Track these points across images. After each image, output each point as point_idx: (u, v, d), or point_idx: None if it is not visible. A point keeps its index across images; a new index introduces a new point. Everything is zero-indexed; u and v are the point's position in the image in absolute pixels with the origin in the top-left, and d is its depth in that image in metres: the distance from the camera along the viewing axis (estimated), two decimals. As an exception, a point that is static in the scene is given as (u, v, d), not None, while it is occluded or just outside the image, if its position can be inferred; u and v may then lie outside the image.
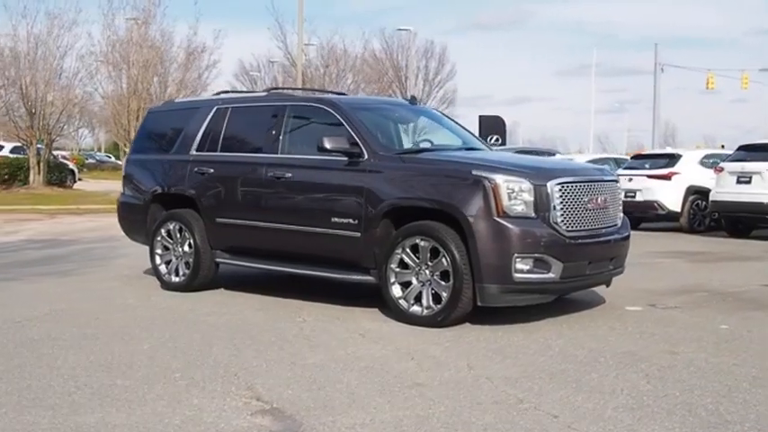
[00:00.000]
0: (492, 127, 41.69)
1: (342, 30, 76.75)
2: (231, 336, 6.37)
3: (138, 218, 8.97)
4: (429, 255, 6.70)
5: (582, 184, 6.84)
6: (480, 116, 43.70)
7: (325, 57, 41.91)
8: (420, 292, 6.77)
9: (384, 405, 4.64)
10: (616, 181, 7.42)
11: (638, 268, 10.60)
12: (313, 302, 7.68)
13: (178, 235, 8.48)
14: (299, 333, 6.49)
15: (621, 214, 7.42)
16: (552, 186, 6.61)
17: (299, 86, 32.13)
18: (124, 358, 5.67)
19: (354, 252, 7.19)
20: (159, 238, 8.65)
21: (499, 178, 6.53)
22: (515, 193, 6.51)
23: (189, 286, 8.37)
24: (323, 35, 39.32)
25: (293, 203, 7.65)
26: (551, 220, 6.58)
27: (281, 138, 7.81)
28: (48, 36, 26.29)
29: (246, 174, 8.00)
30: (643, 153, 20.37)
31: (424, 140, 8.26)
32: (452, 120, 8.89)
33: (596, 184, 7.01)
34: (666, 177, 16.40)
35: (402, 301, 6.85)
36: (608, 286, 7.65)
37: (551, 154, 22.58)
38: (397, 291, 6.89)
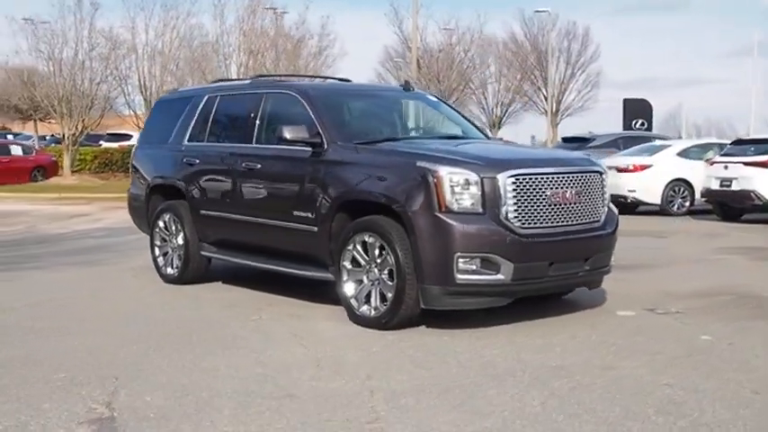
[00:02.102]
0: (637, 111, 39.96)
1: (458, 13, 75.26)
2: (171, 334, 6.18)
3: (141, 208, 8.98)
4: (377, 252, 6.28)
5: (544, 176, 6.18)
6: (625, 99, 42.01)
7: (464, 41, 41.07)
8: (369, 292, 6.38)
9: (228, 418, 4.32)
10: (598, 172, 6.65)
11: (684, 266, 9.83)
12: (292, 299, 7.39)
13: (173, 227, 8.42)
14: (238, 333, 6.24)
15: (606, 209, 6.68)
16: (504, 179, 6.00)
17: (413, 71, 31.95)
18: (38, 354, 5.62)
19: (313, 247, 6.87)
20: (157, 230, 8.63)
21: (442, 170, 6.00)
22: (460, 187, 5.97)
23: (181, 279, 8.30)
24: (440, 19, 38.57)
25: (262, 195, 7.40)
26: (502, 216, 5.99)
27: (255, 127, 7.57)
28: (164, 27, 27.21)
29: (225, 165, 7.82)
30: (745, 138, 18.73)
31: (415, 129, 7.78)
32: (451, 106, 8.34)
33: (564, 176, 6.30)
34: (764, 165, 14.95)
35: (353, 301, 6.47)
36: (590, 288, 6.96)
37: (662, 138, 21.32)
38: (349, 289, 6.51)
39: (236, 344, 5.91)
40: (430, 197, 5.97)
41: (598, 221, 6.56)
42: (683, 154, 17.84)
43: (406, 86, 8.16)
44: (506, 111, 51.75)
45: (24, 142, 32.52)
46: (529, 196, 6.08)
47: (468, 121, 8.17)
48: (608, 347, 5.75)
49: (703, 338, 6.02)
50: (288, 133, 6.81)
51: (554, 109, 50.55)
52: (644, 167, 17.26)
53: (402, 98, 8.03)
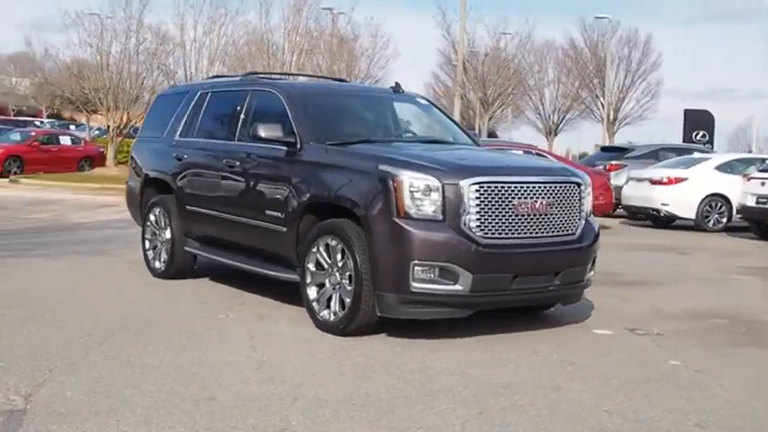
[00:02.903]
0: (698, 122, 38.87)
1: (508, 17, 73.88)
2: (126, 329, 6.11)
3: (136, 201, 8.98)
4: (339, 256, 6.13)
5: (511, 185, 5.94)
6: (686, 110, 40.91)
7: (512, 46, 40.49)
8: (331, 296, 6.23)
9: (137, 418, 4.22)
10: (576, 183, 6.37)
11: (691, 285, 9.47)
12: (270, 299, 7.27)
13: (162, 221, 8.39)
14: (197, 331, 6.15)
15: (583, 221, 6.41)
16: (466, 186, 5.79)
17: (461, 74, 31.64)
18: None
19: (282, 248, 6.76)
20: (148, 224, 8.61)
21: (403, 175, 5.81)
22: (421, 193, 5.78)
23: (167, 273, 8.27)
24: (490, 23, 37.94)
25: (239, 193, 7.32)
26: (463, 225, 5.77)
27: (239, 125, 7.49)
28: (213, 24, 27.45)
29: (209, 161, 7.75)
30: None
31: (399, 131, 7.58)
32: (442, 111, 8.12)
33: (534, 185, 6.04)
34: (802, 182, 14.34)
35: (315, 304, 6.33)
36: (565, 304, 6.70)
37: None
38: (312, 292, 6.38)
39: (188, 342, 5.82)
40: (389, 202, 5.80)
41: (573, 234, 6.30)
42: (723, 168, 17.22)
43: (396, 88, 7.98)
44: (563, 118, 51.10)
45: (74, 133, 33.16)
46: (493, 205, 5.85)
47: (459, 126, 7.95)
48: (564, 367, 5.50)
49: (671, 363, 5.72)
50: (262, 131, 6.71)
51: (611, 117, 49.60)
52: (679, 180, 16.72)
53: (390, 100, 7.85)
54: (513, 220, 5.93)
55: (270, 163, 6.95)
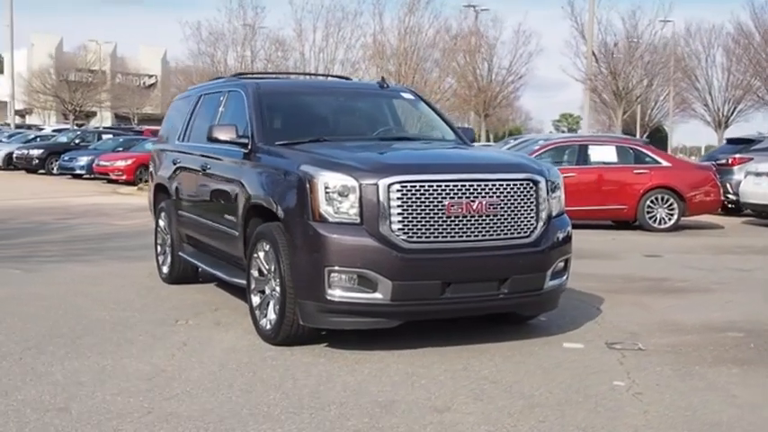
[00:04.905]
0: None
1: (643, 3, 69.19)
2: (62, 336, 6.03)
3: (152, 206, 9.04)
4: (273, 261, 5.82)
5: (440, 184, 5.40)
6: None
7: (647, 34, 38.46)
8: (269, 303, 5.93)
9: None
10: (530, 180, 5.69)
11: (727, 293, 8.41)
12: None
13: (166, 226, 8.39)
14: (136, 338, 6.02)
15: (541, 222, 5.76)
16: (385, 186, 5.33)
17: (588, 66, 30.30)
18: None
19: (236, 252, 6.54)
20: (158, 229, 8.65)
21: (319, 175, 5.43)
22: (338, 194, 5.38)
23: (169, 278, 8.26)
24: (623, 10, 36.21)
25: (208, 197, 7.19)
26: (383, 228, 5.32)
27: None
28: (330, 29, 27.74)
29: (192, 165, 7.65)
30: None
31: (369, 129, 7.13)
32: (431, 106, 7.58)
33: (469, 183, 5.46)
34: None
35: (257, 312, 6.06)
36: (524, 314, 6.13)
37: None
38: (255, 299, 6.11)
39: (114, 349, 5.68)
40: (304, 204, 5.46)
41: (526, 237, 5.68)
42: None
43: (381, 83, 7.57)
44: (734, 109, 47.91)
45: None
46: (419, 206, 5.36)
47: (446, 122, 7.40)
48: (481, 385, 4.95)
49: (614, 384, 5.04)
50: (216, 133, 6.52)
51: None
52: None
53: (372, 96, 7.45)
54: (444, 222, 5.41)
55: (228, 166, 6.77)
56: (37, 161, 30.20)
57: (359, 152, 5.98)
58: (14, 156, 31.56)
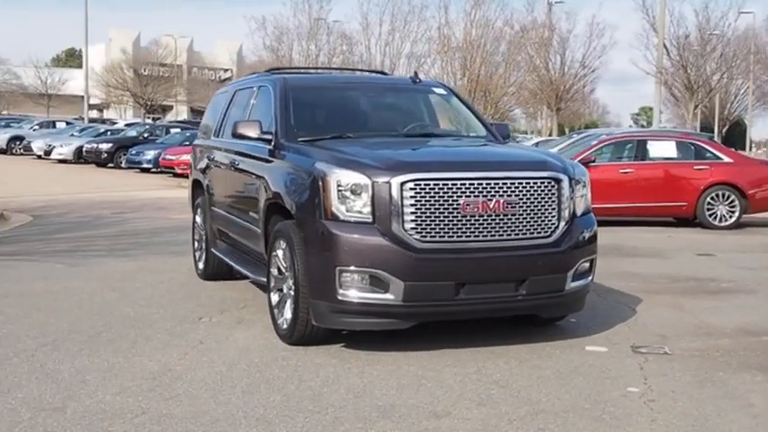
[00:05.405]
0: None
1: None
2: (88, 332, 6.10)
3: (190, 201, 9.09)
4: (290, 260, 5.76)
5: (455, 182, 5.25)
6: None
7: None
8: (286, 302, 5.87)
9: (-38, 425, 4.17)
10: (552, 179, 5.50)
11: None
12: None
13: (202, 222, 8.43)
14: (153, 335, 6.03)
15: (563, 222, 5.56)
16: (398, 184, 5.21)
17: (659, 59, 29.48)
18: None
19: (260, 249, 6.51)
20: (195, 225, 8.70)
21: (332, 172, 5.34)
22: (350, 192, 5.28)
23: (204, 275, 8.28)
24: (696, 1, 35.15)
25: (236, 194, 7.17)
26: (396, 227, 5.20)
27: (245, 121, 7.31)
28: (400, 22, 27.55)
29: (223, 161, 7.64)
30: None
31: (395, 125, 6.97)
32: (462, 101, 7.40)
33: (488, 182, 5.30)
34: None
35: (276, 311, 6.01)
36: (547, 317, 5.93)
37: None
38: (274, 298, 6.06)
39: (129, 347, 5.68)
40: (317, 202, 5.37)
41: (546, 237, 5.50)
42: None
43: (414, 78, 7.43)
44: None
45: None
46: (433, 205, 5.23)
47: (479, 118, 7.22)
48: (488, 390, 4.81)
49: (628, 390, 4.84)
50: (240, 129, 6.48)
51: None
52: None
53: (403, 92, 7.32)
54: (459, 221, 5.27)
55: (254, 162, 6.72)
56: (106, 155, 30.73)
57: (378, 149, 5.85)
58: (84, 150, 32.18)
